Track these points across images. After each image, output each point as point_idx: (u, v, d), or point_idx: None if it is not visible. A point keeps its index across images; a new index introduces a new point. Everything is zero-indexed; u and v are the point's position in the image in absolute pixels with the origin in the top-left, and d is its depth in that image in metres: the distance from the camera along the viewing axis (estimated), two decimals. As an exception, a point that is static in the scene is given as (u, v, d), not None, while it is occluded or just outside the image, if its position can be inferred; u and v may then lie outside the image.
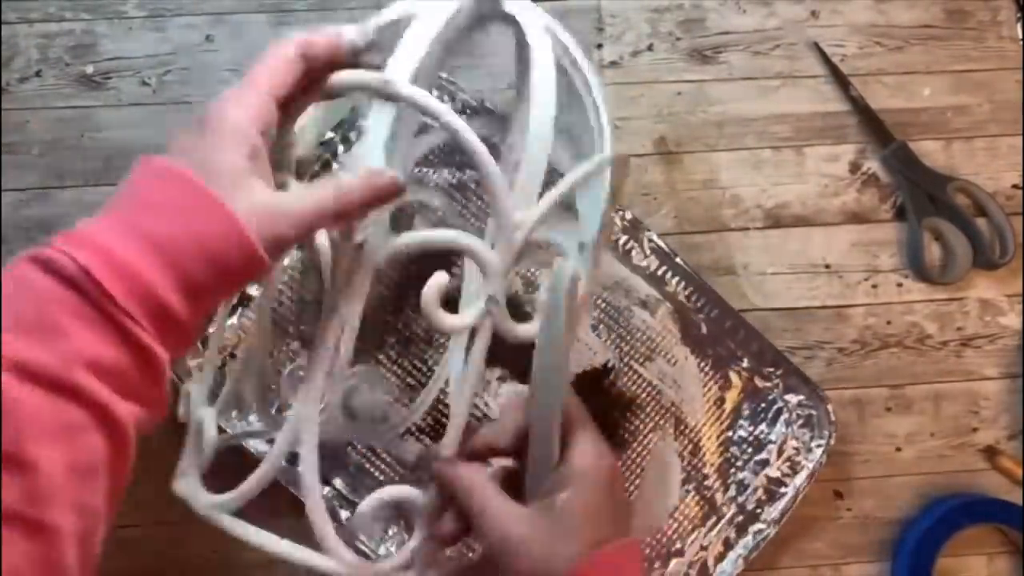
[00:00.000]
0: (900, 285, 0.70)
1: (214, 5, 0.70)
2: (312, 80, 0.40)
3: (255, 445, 0.59)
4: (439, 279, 0.41)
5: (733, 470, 0.66)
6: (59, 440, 0.31)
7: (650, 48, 0.72)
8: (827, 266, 0.70)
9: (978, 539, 0.68)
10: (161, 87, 0.69)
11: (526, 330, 0.44)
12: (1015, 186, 0.72)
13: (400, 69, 0.41)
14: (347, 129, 0.65)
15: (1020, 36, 0.73)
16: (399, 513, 0.44)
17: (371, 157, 0.40)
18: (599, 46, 0.71)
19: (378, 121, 0.40)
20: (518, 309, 0.64)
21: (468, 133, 0.40)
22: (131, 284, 0.33)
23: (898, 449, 0.69)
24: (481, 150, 0.40)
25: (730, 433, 0.67)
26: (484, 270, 0.42)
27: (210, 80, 0.69)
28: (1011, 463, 0.68)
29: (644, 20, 0.72)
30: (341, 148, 0.65)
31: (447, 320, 0.42)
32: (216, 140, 0.36)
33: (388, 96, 0.40)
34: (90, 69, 0.69)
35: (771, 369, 0.67)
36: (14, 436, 0.30)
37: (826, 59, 0.72)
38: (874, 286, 0.70)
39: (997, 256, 0.70)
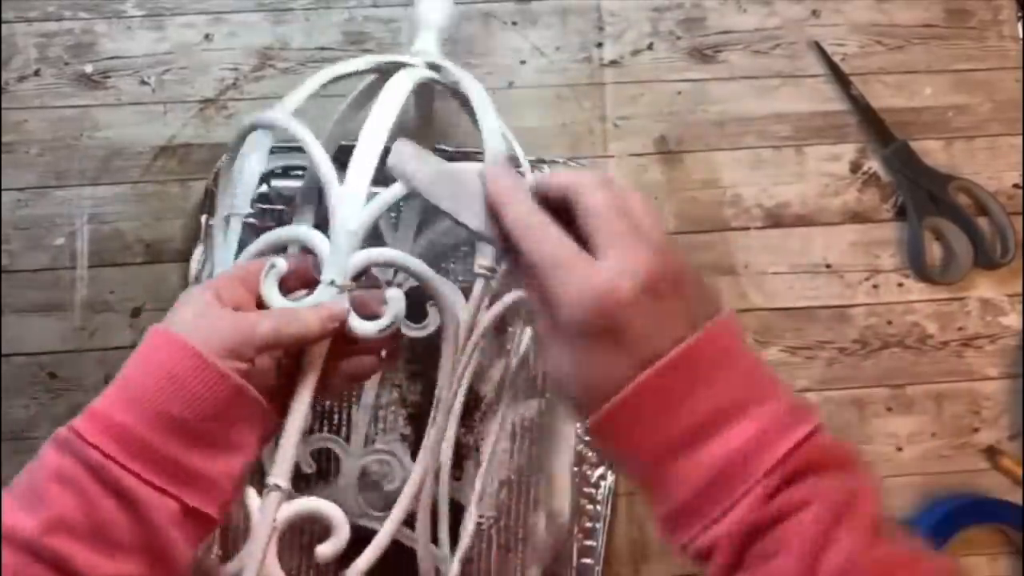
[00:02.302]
0: (901, 285, 0.70)
1: (213, 4, 0.70)
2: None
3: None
4: (277, 264, 0.45)
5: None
6: None
7: (650, 47, 0.71)
8: (828, 266, 0.70)
9: (979, 540, 0.67)
10: (160, 86, 0.69)
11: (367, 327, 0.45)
12: (1016, 185, 0.72)
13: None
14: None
15: (1021, 35, 0.73)
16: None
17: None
18: (599, 45, 0.71)
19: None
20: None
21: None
22: (106, 427, 0.37)
23: (899, 449, 0.69)
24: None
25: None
26: (320, 257, 0.45)
27: (209, 79, 0.69)
28: (1012, 463, 0.68)
29: (644, 19, 0.72)
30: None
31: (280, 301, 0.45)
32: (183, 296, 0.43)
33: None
34: (89, 68, 0.69)
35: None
36: None
37: (827, 58, 0.72)
38: (875, 286, 0.70)
39: (998, 256, 0.70)
